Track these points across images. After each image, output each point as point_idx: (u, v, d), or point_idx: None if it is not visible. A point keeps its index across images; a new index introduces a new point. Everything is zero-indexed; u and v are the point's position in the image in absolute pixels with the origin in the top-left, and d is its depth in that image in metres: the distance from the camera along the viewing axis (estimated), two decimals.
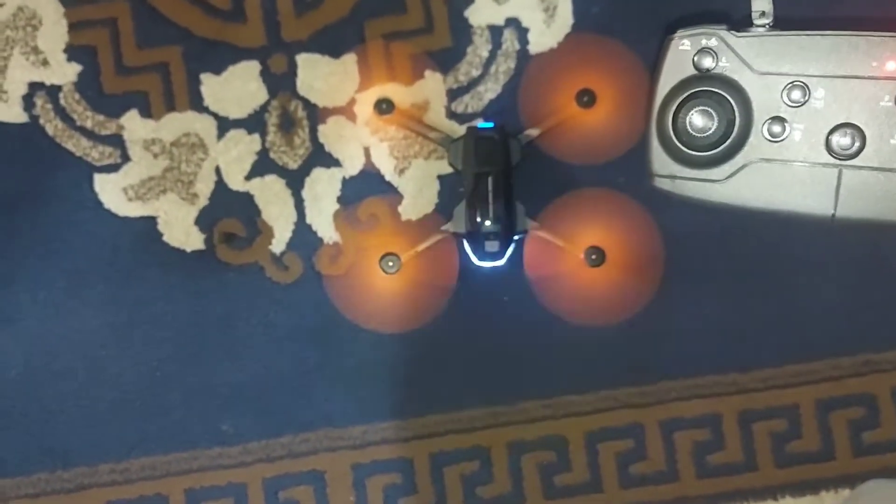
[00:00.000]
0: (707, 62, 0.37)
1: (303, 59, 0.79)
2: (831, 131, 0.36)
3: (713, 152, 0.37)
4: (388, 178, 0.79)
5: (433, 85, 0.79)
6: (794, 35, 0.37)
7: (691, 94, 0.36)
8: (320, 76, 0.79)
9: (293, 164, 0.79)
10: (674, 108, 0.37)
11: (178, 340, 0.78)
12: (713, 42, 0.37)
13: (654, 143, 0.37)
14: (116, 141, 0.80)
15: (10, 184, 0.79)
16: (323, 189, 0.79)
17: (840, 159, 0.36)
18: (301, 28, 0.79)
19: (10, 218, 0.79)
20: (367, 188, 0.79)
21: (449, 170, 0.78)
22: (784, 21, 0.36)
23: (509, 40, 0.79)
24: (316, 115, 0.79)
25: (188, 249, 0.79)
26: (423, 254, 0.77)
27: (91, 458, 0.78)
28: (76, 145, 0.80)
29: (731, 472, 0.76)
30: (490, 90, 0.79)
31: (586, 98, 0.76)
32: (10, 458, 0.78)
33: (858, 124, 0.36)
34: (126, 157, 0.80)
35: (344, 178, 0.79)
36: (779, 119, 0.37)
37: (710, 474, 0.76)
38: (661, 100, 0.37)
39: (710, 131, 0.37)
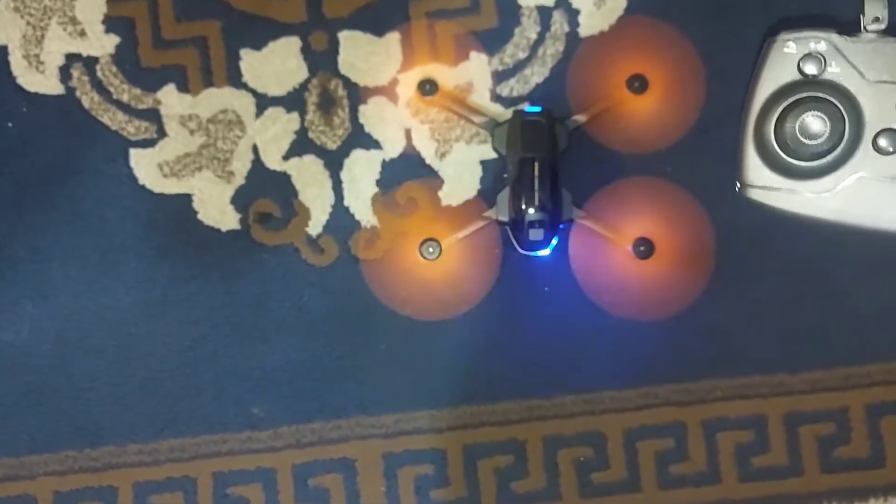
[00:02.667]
0: (814, 67, 0.34)
1: (345, 36, 0.77)
2: None
3: (817, 163, 0.33)
4: (428, 161, 0.77)
5: (478, 66, 0.77)
6: None
7: (797, 100, 0.32)
8: (362, 55, 0.77)
9: (332, 145, 0.78)
10: (776, 113, 0.33)
11: (211, 321, 0.77)
12: (822, 46, 0.34)
13: (750, 151, 0.34)
14: (153, 115, 0.78)
15: (45, 156, 0.78)
16: (362, 171, 0.77)
17: None
18: (343, 4, 0.77)
19: (45, 191, 0.78)
20: (406, 171, 0.77)
21: (492, 155, 0.76)
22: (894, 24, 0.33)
23: (558, 22, 0.76)
24: (357, 94, 0.77)
25: (223, 229, 0.78)
26: (464, 241, 0.75)
27: (120, 438, 0.77)
28: (112, 119, 0.78)
29: (774, 477, 0.74)
30: (537, 73, 0.77)
31: (637, 84, 0.74)
32: (39, 435, 0.77)
33: None
34: (162, 133, 0.78)
35: (383, 161, 0.77)
36: (891, 132, 0.33)
37: (752, 478, 0.74)
38: (762, 105, 0.34)
39: (820, 140, 0.33)
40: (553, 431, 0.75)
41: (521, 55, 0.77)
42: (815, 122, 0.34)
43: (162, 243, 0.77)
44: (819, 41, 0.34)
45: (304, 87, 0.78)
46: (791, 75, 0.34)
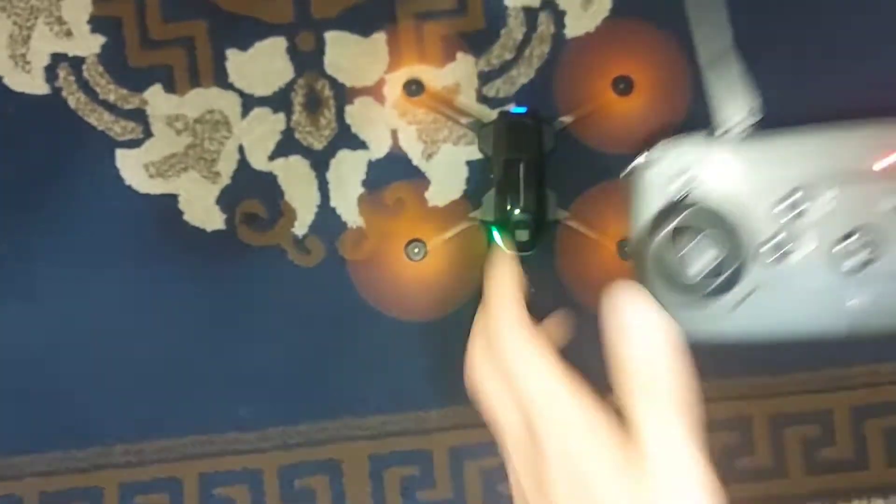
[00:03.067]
0: (684, 184, 0.32)
1: (331, 36, 0.77)
2: (837, 243, 0.32)
3: (714, 284, 0.32)
4: (415, 162, 0.77)
5: (465, 67, 0.77)
6: (781, 137, 0.31)
7: (677, 223, 0.31)
8: (349, 55, 0.77)
9: (318, 145, 0.77)
10: (660, 242, 0.31)
11: (198, 322, 0.77)
12: (688, 160, 0.32)
13: (651, 278, 0.32)
14: (139, 116, 0.78)
15: (31, 156, 0.78)
16: (348, 172, 0.77)
17: (850, 272, 0.31)
18: (330, 5, 0.77)
19: (31, 190, 0.78)
20: (393, 172, 0.77)
21: (478, 155, 0.76)
22: (761, 122, 0.32)
23: (545, 23, 0.76)
24: (343, 95, 0.77)
25: (209, 229, 0.77)
26: (449, 241, 0.75)
27: (106, 438, 0.77)
28: (98, 119, 0.78)
29: (759, 478, 0.74)
30: (523, 74, 0.76)
31: (623, 85, 0.73)
32: (24, 435, 0.77)
33: (867, 232, 0.31)
34: (148, 133, 0.78)
35: (370, 161, 0.77)
36: (777, 237, 0.32)
37: (737, 479, 0.74)
38: (644, 232, 0.32)
39: (709, 261, 0.32)
40: None
41: (508, 56, 0.76)
42: (699, 246, 0.32)
43: (148, 244, 0.77)
44: (684, 154, 0.32)
45: (290, 87, 0.77)
46: (664, 198, 0.32)
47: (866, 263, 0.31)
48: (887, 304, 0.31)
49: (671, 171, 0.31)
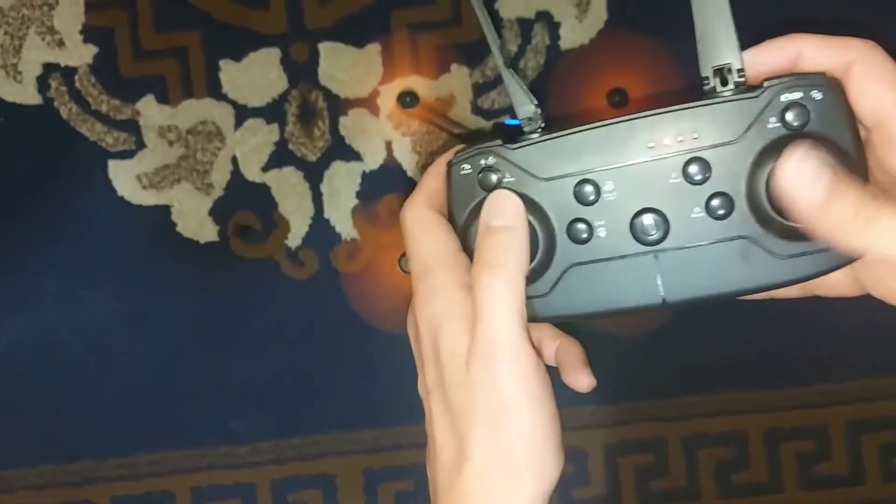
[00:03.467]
0: (491, 180, 0.36)
1: (325, 47, 0.77)
2: (633, 219, 0.36)
3: (529, 268, 0.35)
4: (410, 173, 0.77)
5: (459, 79, 0.76)
6: (567, 134, 0.36)
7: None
8: (343, 66, 0.77)
9: (312, 157, 0.77)
10: (475, 234, 0.35)
11: (190, 334, 0.76)
12: (491, 160, 0.36)
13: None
14: (131, 127, 0.77)
15: (22, 167, 0.77)
16: (342, 183, 0.77)
17: (650, 245, 0.35)
18: (324, 16, 0.76)
19: (22, 201, 0.77)
20: (387, 184, 0.76)
21: None
22: (557, 121, 0.36)
23: (539, 35, 0.76)
24: (337, 106, 0.77)
25: (202, 241, 0.77)
26: None
27: (98, 452, 0.76)
28: (90, 130, 0.78)
29: (754, 493, 0.74)
30: None
31: (618, 98, 0.73)
32: (16, 448, 0.77)
33: (656, 207, 0.35)
34: (141, 144, 0.78)
35: (364, 173, 0.77)
36: (578, 220, 0.36)
37: (732, 494, 0.74)
38: (462, 229, 0.36)
39: None
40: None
41: None
42: None
43: (140, 255, 0.77)
44: (488, 156, 0.36)
45: (284, 98, 0.77)
46: (475, 194, 0.37)
47: (664, 236, 0.35)
48: (691, 271, 0.34)
49: (480, 168, 0.35)
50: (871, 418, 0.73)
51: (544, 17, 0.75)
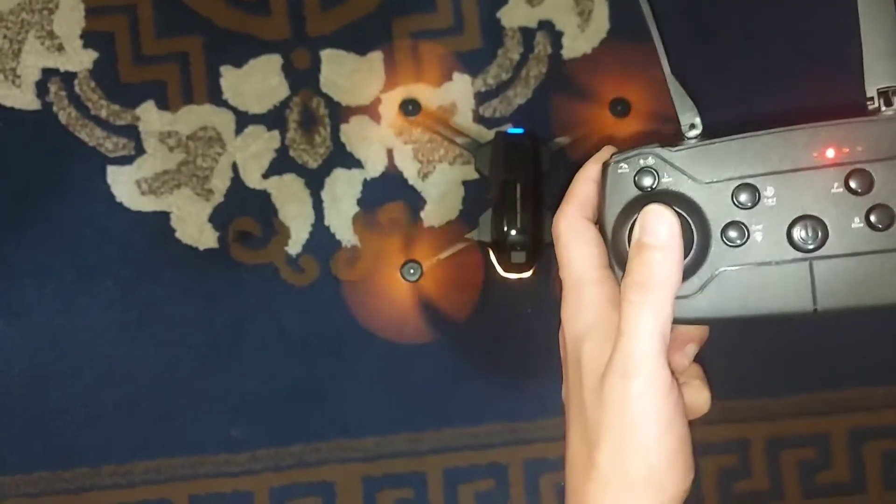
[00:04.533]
0: (649, 180, 0.37)
1: (327, 54, 0.77)
2: (790, 226, 0.36)
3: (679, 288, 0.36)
4: (411, 181, 0.76)
5: (461, 87, 0.76)
6: (729, 140, 0.37)
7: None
8: (344, 73, 0.77)
9: (313, 164, 0.77)
10: (627, 231, 0.36)
11: (189, 341, 0.76)
12: (651, 161, 0.37)
13: (616, 271, 0.37)
14: (131, 132, 0.77)
15: (20, 172, 0.77)
16: (343, 190, 0.76)
17: (806, 252, 0.36)
18: (326, 23, 0.77)
19: (20, 207, 0.76)
20: (388, 191, 0.76)
21: (475, 175, 0.75)
22: (714, 126, 0.36)
23: (542, 44, 0.76)
24: (338, 113, 0.77)
25: (201, 247, 0.76)
26: (445, 262, 0.74)
27: (94, 460, 0.75)
28: (90, 135, 0.77)
29: (756, 501, 0.74)
30: (520, 95, 0.76)
31: (620, 107, 0.73)
32: (11, 456, 0.76)
33: (816, 215, 0.36)
34: (140, 150, 0.77)
35: (365, 180, 0.76)
36: (735, 224, 0.36)
37: (734, 502, 0.74)
38: (613, 226, 0.37)
39: None
40: (536, 455, 0.74)
41: (505, 76, 0.76)
42: None
43: (139, 262, 0.76)
44: (647, 157, 0.37)
45: (285, 104, 0.77)
46: (631, 193, 0.37)
47: (821, 244, 0.36)
48: (847, 281, 0.34)
49: (637, 168, 0.35)
50: (873, 426, 0.73)
51: (547, 26, 0.76)
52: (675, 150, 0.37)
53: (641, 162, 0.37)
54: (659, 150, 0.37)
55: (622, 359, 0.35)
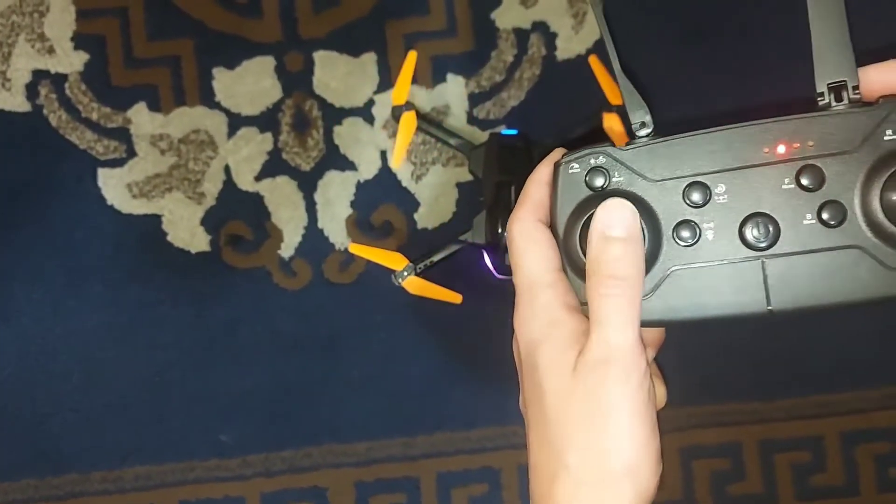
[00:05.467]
0: (600, 180, 0.36)
1: (320, 56, 0.76)
2: (742, 224, 0.36)
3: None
4: (404, 184, 0.76)
5: (455, 89, 0.76)
6: (680, 138, 0.36)
7: (594, 213, 0.36)
8: (338, 75, 0.76)
9: (306, 166, 0.76)
10: (578, 231, 0.36)
11: (180, 345, 0.75)
12: (602, 160, 0.37)
13: (570, 274, 0.36)
14: (122, 135, 0.77)
15: (10, 175, 0.76)
16: (336, 193, 0.76)
17: (759, 250, 0.35)
18: (319, 25, 0.76)
19: (10, 210, 0.76)
20: (382, 194, 0.76)
21: (468, 177, 0.75)
22: (665, 125, 0.36)
23: (536, 45, 0.76)
24: (332, 115, 0.76)
25: (193, 251, 0.76)
26: (439, 264, 0.74)
27: (83, 465, 0.74)
28: (80, 137, 0.77)
29: None
30: (514, 96, 0.76)
31: (614, 108, 0.73)
32: None
33: (767, 212, 0.35)
34: (132, 152, 0.77)
35: (358, 183, 0.76)
36: (686, 222, 0.36)
37: None
38: (564, 228, 0.36)
39: None
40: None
41: (498, 78, 0.76)
42: None
43: (130, 265, 0.76)
44: (598, 156, 0.37)
45: (277, 107, 0.76)
46: (582, 193, 0.37)
47: (773, 241, 0.35)
48: (801, 279, 0.34)
49: (588, 167, 0.35)
50: (865, 429, 0.73)
51: (540, 27, 0.76)
52: (626, 149, 0.36)
53: (592, 161, 0.36)
54: (610, 150, 0.36)
55: (600, 348, 0.34)
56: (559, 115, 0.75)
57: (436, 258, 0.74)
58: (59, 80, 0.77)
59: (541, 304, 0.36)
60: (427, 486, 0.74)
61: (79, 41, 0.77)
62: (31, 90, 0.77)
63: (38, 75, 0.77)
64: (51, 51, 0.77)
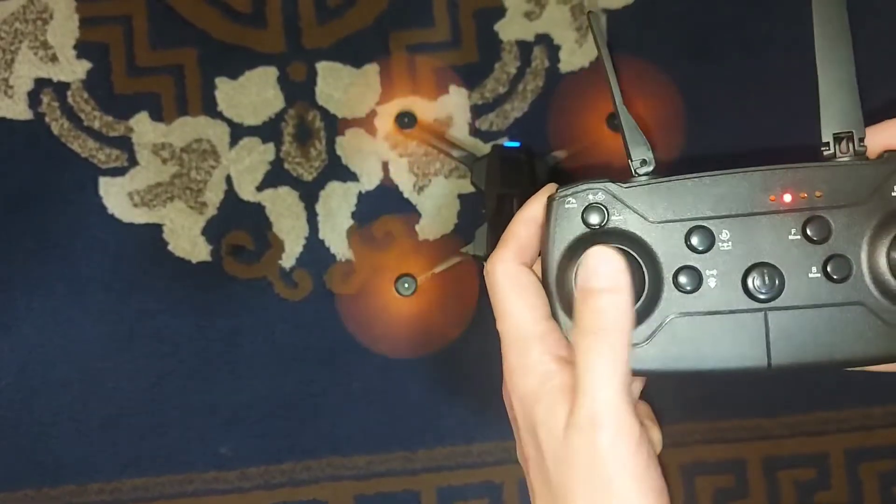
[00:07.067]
0: (597, 217, 0.34)
1: (323, 67, 0.76)
2: (746, 273, 0.34)
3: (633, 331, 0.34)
4: (406, 195, 0.76)
5: (458, 100, 0.76)
6: (683, 179, 0.34)
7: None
8: (340, 86, 0.76)
9: (308, 177, 0.76)
10: (575, 271, 0.33)
11: (179, 356, 0.75)
12: (600, 196, 0.35)
13: (560, 314, 0.34)
14: (124, 143, 0.76)
15: (11, 183, 0.76)
16: (338, 204, 0.76)
17: (761, 302, 0.34)
18: (323, 36, 0.76)
19: (10, 219, 0.75)
20: (383, 205, 0.76)
21: (470, 189, 0.75)
22: (664, 165, 0.35)
23: (539, 58, 0.76)
24: (334, 126, 0.76)
25: (194, 261, 0.76)
26: (440, 276, 0.73)
27: (81, 476, 0.74)
28: (82, 146, 0.76)
29: None
30: (517, 108, 0.76)
31: (617, 121, 0.73)
32: None
33: (772, 262, 0.34)
34: (133, 161, 0.76)
35: (360, 193, 0.76)
36: (688, 268, 0.34)
37: None
38: (557, 266, 0.34)
39: None
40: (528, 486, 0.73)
41: (501, 90, 0.76)
42: None
43: (130, 274, 0.75)
44: (596, 192, 0.35)
45: (280, 117, 0.76)
46: (578, 230, 0.35)
47: (777, 294, 0.34)
48: (803, 335, 0.32)
49: (586, 203, 0.33)
50: (870, 446, 0.72)
51: (544, 39, 0.76)
52: (627, 187, 0.34)
53: (590, 197, 0.34)
54: (609, 186, 0.34)
55: (586, 412, 0.32)
56: (562, 128, 0.75)
57: (437, 270, 0.73)
58: (61, 88, 0.76)
59: (534, 359, 0.34)
60: (428, 500, 0.73)
61: (81, 49, 0.76)
62: (34, 98, 0.76)
63: (41, 83, 0.76)
64: (53, 59, 0.77)
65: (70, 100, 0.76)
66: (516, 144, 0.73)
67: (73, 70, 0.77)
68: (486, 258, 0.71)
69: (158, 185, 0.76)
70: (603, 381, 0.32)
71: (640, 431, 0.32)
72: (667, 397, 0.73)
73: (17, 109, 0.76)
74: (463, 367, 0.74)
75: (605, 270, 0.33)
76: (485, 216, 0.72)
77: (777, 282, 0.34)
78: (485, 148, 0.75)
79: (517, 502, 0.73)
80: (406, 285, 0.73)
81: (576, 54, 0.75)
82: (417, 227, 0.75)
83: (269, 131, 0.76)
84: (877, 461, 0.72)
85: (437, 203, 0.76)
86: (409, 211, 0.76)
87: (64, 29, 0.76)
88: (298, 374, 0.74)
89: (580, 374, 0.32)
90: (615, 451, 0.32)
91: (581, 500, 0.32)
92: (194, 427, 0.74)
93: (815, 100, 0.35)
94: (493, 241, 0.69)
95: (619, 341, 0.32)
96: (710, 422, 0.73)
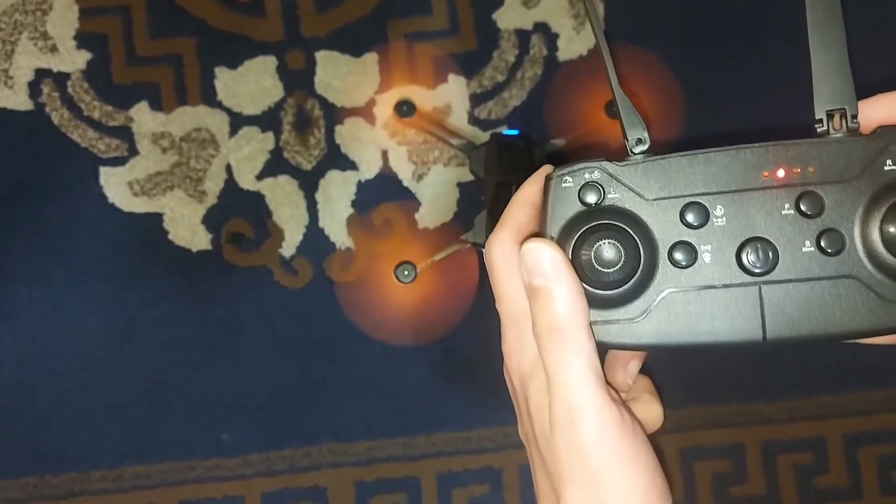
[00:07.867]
0: (593, 196, 0.35)
1: (322, 56, 0.76)
2: (740, 248, 0.34)
3: (623, 289, 0.34)
4: (405, 183, 0.76)
5: (456, 89, 0.76)
6: (678, 156, 0.35)
7: (587, 229, 0.34)
8: (339, 75, 0.76)
9: (307, 165, 0.76)
10: (571, 247, 0.34)
11: (180, 344, 0.75)
12: (597, 175, 0.35)
13: None
14: (124, 133, 0.77)
15: (11, 173, 0.76)
16: (337, 192, 0.76)
17: (756, 276, 0.34)
18: (321, 24, 0.76)
19: (10, 208, 0.76)
20: (383, 193, 0.76)
21: (469, 177, 0.75)
22: (661, 149, 0.35)
23: (537, 46, 0.76)
24: (333, 114, 0.76)
25: (194, 249, 0.76)
26: (439, 264, 0.74)
27: (83, 464, 0.74)
28: (82, 136, 0.77)
29: None
30: (515, 97, 0.76)
31: (615, 108, 0.73)
32: None
33: (766, 237, 0.34)
34: (133, 151, 0.77)
35: (359, 182, 0.76)
36: (683, 244, 0.35)
37: None
38: (559, 236, 0.35)
39: (619, 265, 0.35)
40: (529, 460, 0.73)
41: (500, 78, 0.76)
42: (608, 249, 0.35)
43: (131, 264, 0.76)
44: (593, 171, 0.35)
45: (279, 106, 0.76)
46: (575, 208, 0.35)
47: (771, 268, 0.34)
48: (798, 308, 0.33)
49: (582, 182, 0.34)
50: (869, 431, 0.72)
51: (542, 28, 0.76)
52: (622, 165, 0.35)
53: (587, 176, 0.35)
54: (605, 164, 0.35)
55: (561, 410, 0.32)
56: (560, 115, 0.75)
57: (437, 257, 0.74)
58: (61, 78, 0.77)
59: (530, 339, 0.34)
60: (428, 486, 0.74)
61: (81, 39, 0.77)
62: (34, 88, 0.77)
63: (41, 74, 0.77)
64: (53, 49, 0.77)
65: (70, 90, 0.77)
66: (515, 132, 0.73)
67: (72, 60, 0.77)
68: (484, 246, 0.71)
69: (158, 175, 0.76)
70: (570, 376, 0.32)
71: (621, 414, 0.32)
72: (665, 382, 0.74)
73: (18, 100, 0.77)
74: (463, 353, 0.74)
75: (541, 264, 0.33)
76: (484, 204, 0.72)
77: (771, 256, 0.34)
78: (483, 136, 0.75)
79: (517, 487, 0.73)
80: (406, 273, 0.73)
81: (574, 42, 0.76)
82: (417, 215, 0.76)
83: (268, 120, 0.76)
84: (875, 445, 0.73)
85: (436, 191, 0.76)
86: (408, 199, 0.76)
87: (63, 19, 0.77)
88: (298, 361, 0.75)
89: (548, 373, 0.33)
90: (599, 444, 0.32)
91: (574, 490, 0.32)
92: (195, 415, 0.74)
93: (811, 83, 0.35)
94: (493, 229, 0.69)
95: (576, 332, 0.33)
96: (708, 406, 0.73)
